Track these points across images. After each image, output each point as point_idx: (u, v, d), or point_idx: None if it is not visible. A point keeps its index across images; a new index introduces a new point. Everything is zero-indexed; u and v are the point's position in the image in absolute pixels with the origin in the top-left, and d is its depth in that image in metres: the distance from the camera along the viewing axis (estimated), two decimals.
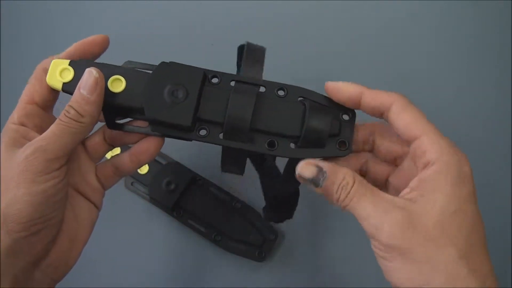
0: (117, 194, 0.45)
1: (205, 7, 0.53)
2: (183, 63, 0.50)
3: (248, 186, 0.42)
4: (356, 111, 0.31)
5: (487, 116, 0.47)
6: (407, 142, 0.27)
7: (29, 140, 0.28)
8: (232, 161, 0.32)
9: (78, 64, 0.30)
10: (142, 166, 0.33)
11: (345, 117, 0.30)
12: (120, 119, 0.32)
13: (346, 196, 0.26)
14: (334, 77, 0.48)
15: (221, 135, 0.30)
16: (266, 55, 0.50)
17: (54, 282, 0.29)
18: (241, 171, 0.33)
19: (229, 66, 0.49)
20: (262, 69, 0.32)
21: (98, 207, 0.32)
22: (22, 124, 0.29)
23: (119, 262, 0.43)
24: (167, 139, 0.32)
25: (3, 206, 0.26)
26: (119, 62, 0.51)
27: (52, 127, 0.28)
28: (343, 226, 0.44)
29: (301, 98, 0.31)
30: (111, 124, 0.31)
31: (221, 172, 0.42)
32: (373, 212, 0.25)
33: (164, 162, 0.45)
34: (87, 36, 0.52)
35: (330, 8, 0.52)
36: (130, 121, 0.32)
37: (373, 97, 0.28)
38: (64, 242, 0.29)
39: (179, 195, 0.42)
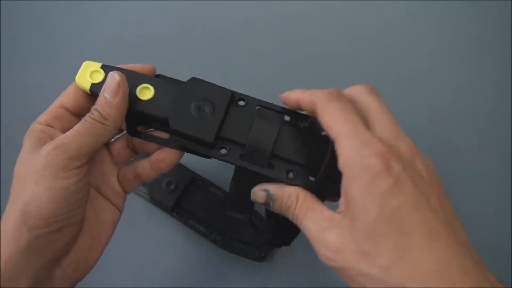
0: None
1: (205, 7, 0.53)
2: (183, 63, 0.50)
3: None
4: None
5: (487, 116, 0.47)
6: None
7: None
8: (240, 200, 0.31)
9: (110, 69, 0.31)
10: (161, 172, 0.33)
11: None
12: (141, 128, 0.32)
13: (292, 215, 0.27)
14: (334, 76, 0.48)
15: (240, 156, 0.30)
16: (266, 55, 0.50)
17: (74, 282, 0.29)
18: (247, 214, 0.33)
19: (229, 66, 0.49)
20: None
21: (120, 210, 0.32)
22: (49, 125, 0.29)
23: (119, 262, 0.43)
24: None
25: (23, 202, 0.25)
26: (119, 62, 0.51)
27: (76, 126, 0.28)
28: None
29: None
30: (132, 131, 0.31)
31: (221, 173, 0.42)
32: (313, 230, 0.25)
33: None
34: (86, 36, 0.52)
35: (330, 8, 0.52)
36: (151, 130, 0.32)
37: (306, 101, 0.29)
38: (85, 241, 0.29)
39: (179, 195, 0.42)
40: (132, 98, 0.30)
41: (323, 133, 0.29)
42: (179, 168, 0.44)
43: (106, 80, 0.29)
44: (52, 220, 0.26)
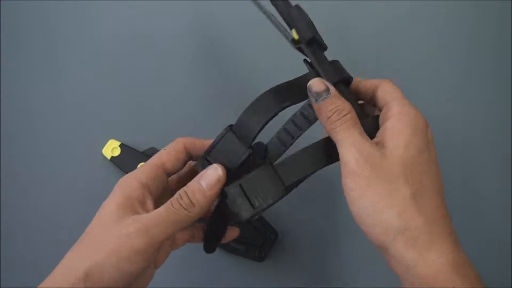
0: None
1: (205, 7, 0.53)
2: (184, 62, 0.50)
3: None
4: None
5: (487, 116, 0.47)
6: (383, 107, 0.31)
7: (143, 206, 0.29)
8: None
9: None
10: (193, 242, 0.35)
11: None
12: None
13: (338, 120, 0.28)
14: None
15: None
16: (266, 55, 0.50)
17: None
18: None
19: (228, 65, 0.49)
20: None
21: (157, 267, 0.33)
22: (145, 185, 0.29)
23: None
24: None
25: (89, 265, 0.26)
26: (119, 61, 0.51)
27: (161, 210, 0.28)
28: (343, 226, 0.44)
29: None
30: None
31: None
32: (353, 143, 0.27)
33: None
34: (86, 36, 0.52)
35: (330, 7, 0.52)
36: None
37: (366, 85, 0.33)
38: None
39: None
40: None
41: None
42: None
43: (207, 170, 0.29)
44: None
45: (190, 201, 0.28)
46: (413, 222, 0.26)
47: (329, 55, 0.51)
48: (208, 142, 0.32)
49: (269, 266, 0.43)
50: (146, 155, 0.46)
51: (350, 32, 0.51)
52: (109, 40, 0.52)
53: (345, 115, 0.28)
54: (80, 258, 0.27)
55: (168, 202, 0.28)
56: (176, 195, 0.28)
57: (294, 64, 0.50)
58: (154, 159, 0.31)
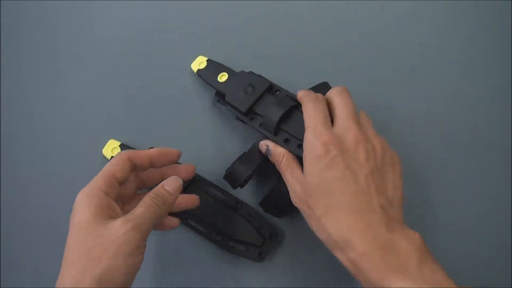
0: None
1: (205, 7, 0.53)
2: (185, 62, 0.51)
3: (248, 186, 0.42)
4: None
5: (487, 116, 0.47)
6: None
7: (114, 211, 0.33)
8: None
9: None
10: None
11: None
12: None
13: (279, 168, 0.38)
14: (334, 75, 0.48)
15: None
16: (266, 55, 0.50)
17: None
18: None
19: (228, 66, 0.49)
20: None
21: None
22: (107, 193, 0.33)
23: None
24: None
25: (99, 273, 0.30)
26: (119, 61, 0.51)
27: (142, 209, 0.33)
28: None
29: None
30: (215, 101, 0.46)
31: (220, 173, 0.42)
32: (289, 182, 0.36)
33: None
34: (86, 36, 0.52)
35: (330, 7, 0.52)
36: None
37: (299, 96, 0.40)
38: None
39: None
40: (216, 80, 0.46)
41: None
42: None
43: (171, 179, 0.36)
44: None
45: (163, 200, 0.34)
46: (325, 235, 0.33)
47: (330, 54, 0.52)
48: (148, 152, 0.37)
49: (269, 266, 0.43)
50: None
51: (350, 32, 0.51)
52: (109, 40, 0.52)
53: (281, 160, 0.37)
54: (85, 269, 0.30)
55: (145, 202, 0.33)
56: (151, 194, 0.34)
57: (294, 63, 0.50)
58: (106, 170, 0.35)
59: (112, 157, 0.44)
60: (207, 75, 0.47)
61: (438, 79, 0.49)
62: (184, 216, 0.42)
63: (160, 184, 0.35)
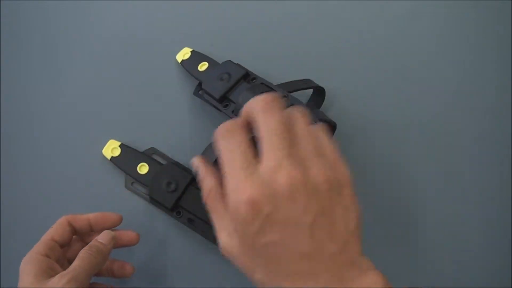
0: (117, 194, 0.45)
1: (205, 7, 0.53)
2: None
3: None
4: None
5: (487, 116, 0.47)
6: None
7: (54, 271, 0.35)
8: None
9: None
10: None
11: None
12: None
13: (205, 200, 0.30)
14: (333, 76, 0.48)
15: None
16: (266, 55, 0.50)
17: None
18: None
19: None
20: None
21: None
22: (47, 256, 0.36)
23: None
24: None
25: None
26: (119, 61, 0.51)
27: (77, 262, 0.35)
28: None
29: None
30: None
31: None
32: (218, 227, 0.29)
33: (164, 163, 0.45)
34: (86, 36, 0.52)
35: (330, 7, 0.52)
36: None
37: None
38: None
39: (179, 195, 0.42)
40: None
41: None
42: (179, 169, 0.44)
43: (103, 233, 0.38)
44: None
45: (97, 251, 0.36)
46: None
47: (330, 55, 0.52)
48: (86, 216, 0.39)
49: None
50: (146, 155, 0.46)
51: (350, 32, 0.51)
52: (109, 40, 0.52)
53: (207, 196, 0.30)
54: None
55: (80, 256, 0.35)
56: (85, 249, 0.36)
57: (294, 63, 0.50)
58: (46, 234, 0.38)
59: (112, 157, 0.45)
60: (189, 65, 0.48)
61: (438, 79, 0.49)
62: (185, 216, 0.42)
63: (94, 239, 0.38)
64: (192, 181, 0.43)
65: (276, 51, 0.50)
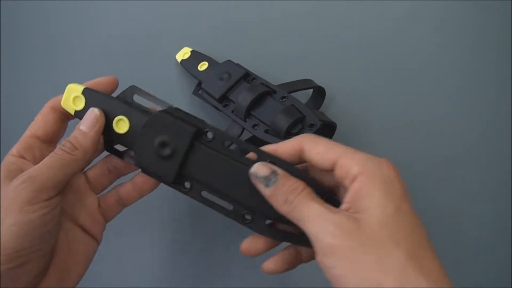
0: None
1: (205, 7, 0.53)
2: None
3: None
4: None
5: (487, 116, 0.47)
6: (330, 171, 0.27)
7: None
8: None
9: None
10: (145, 195, 0.33)
11: None
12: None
13: (296, 197, 0.26)
14: (333, 76, 0.48)
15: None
16: (266, 56, 0.50)
17: None
18: None
19: None
20: None
21: (98, 241, 0.32)
22: (21, 157, 0.30)
23: (121, 256, 0.43)
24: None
25: None
26: (120, 62, 0.51)
27: (45, 159, 0.28)
28: None
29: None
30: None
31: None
32: (320, 215, 0.25)
33: (152, 109, 0.33)
34: (86, 36, 0.52)
35: (330, 7, 0.52)
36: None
37: (284, 149, 0.29)
38: (54, 275, 0.28)
39: (181, 160, 0.30)
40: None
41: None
42: (174, 118, 0.31)
43: (85, 115, 0.30)
44: (15, 254, 0.25)
45: (73, 145, 0.29)
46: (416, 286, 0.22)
47: (330, 55, 0.52)
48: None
49: None
50: (123, 102, 0.33)
51: (350, 32, 0.51)
52: (109, 40, 0.52)
53: (301, 192, 0.26)
54: None
55: (52, 152, 0.29)
56: (59, 145, 0.29)
57: (294, 64, 0.50)
58: (26, 133, 0.31)
59: (76, 111, 0.33)
60: (189, 65, 0.48)
61: (438, 79, 0.49)
62: (195, 188, 0.31)
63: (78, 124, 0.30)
64: (198, 135, 0.31)
65: (276, 51, 0.50)
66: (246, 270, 0.43)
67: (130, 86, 0.33)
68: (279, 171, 0.27)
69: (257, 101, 0.40)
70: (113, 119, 0.31)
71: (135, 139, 0.30)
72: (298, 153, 0.28)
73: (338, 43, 0.51)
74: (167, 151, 0.30)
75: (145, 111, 0.31)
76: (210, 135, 0.30)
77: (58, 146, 0.29)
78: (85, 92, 0.32)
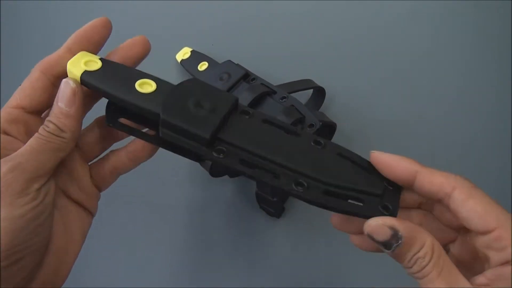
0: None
1: (204, 7, 0.53)
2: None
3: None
4: None
5: (487, 116, 0.47)
6: (478, 232, 0.24)
7: (14, 150, 0.24)
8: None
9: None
10: (141, 163, 0.30)
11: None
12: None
13: (420, 271, 0.22)
14: (333, 76, 0.48)
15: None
16: (266, 56, 0.50)
17: None
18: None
19: None
20: None
21: (92, 213, 0.29)
22: (6, 132, 0.26)
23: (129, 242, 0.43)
24: None
25: None
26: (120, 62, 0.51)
27: (31, 142, 0.25)
28: None
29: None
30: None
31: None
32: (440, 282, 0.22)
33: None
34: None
35: (330, 7, 0.52)
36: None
37: (429, 180, 0.24)
38: (51, 264, 0.26)
39: (218, 122, 0.26)
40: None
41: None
42: (210, 87, 0.28)
43: (60, 87, 0.26)
44: (10, 252, 0.23)
45: (57, 126, 0.25)
46: None
47: (330, 55, 0.52)
48: (68, 46, 0.29)
49: (285, 223, 0.42)
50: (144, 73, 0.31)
51: (350, 32, 0.51)
52: (109, 40, 0.52)
53: (426, 265, 0.22)
54: None
55: (37, 133, 0.25)
56: (42, 126, 0.25)
57: (294, 64, 0.50)
58: (9, 102, 0.27)
59: (86, 72, 0.29)
60: (189, 65, 0.48)
61: (437, 79, 0.49)
62: (233, 153, 0.26)
63: (55, 98, 0.26)
64: (235, 108, 0.28)
65: (276, 51, 0.50)
66: (246, 270, 0.43)
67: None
68: (402, 230, 0.22)
69: (257, 102, 0.40)
70: (135, 82, 0.27)
71: (163, 97, 0.26)
72: (437, 195, 0.24)
73: (338, 43, 0.51)
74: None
75: (170, 83, 0.28)
76: (246, 115, 0.28)
77: (41, 126, 0.25)
78: (102, 59, 0.29)
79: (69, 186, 0.28)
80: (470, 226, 0.24)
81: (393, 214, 0.24)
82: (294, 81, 0.44)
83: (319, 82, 0.45)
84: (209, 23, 0.52)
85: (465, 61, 0.50)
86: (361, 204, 0.25)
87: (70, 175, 0.28)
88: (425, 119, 0.47)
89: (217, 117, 0.26)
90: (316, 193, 0.25)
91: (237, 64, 0.45)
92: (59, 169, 0.27)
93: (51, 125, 0.25)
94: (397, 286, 0.33)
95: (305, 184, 0.25)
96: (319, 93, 0.46)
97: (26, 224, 0.23)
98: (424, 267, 0.22)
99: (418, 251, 0.22)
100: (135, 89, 0.27)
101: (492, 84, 0.49)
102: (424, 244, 0.22)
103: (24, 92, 0.27)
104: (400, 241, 0.22)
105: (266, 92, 0.40)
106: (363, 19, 0.52)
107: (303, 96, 0.47)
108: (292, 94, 0.41)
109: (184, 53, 0.49)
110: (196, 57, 0.48)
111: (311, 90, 0.47)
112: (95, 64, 0.28)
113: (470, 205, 0.24)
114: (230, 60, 0.45)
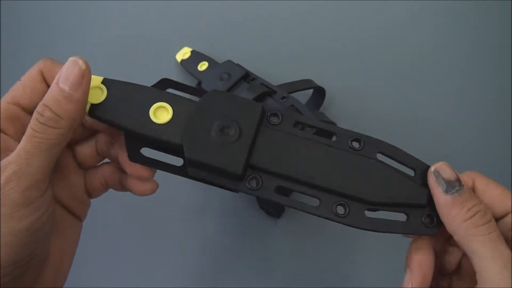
0: None
1: (204, 7, 0.53)
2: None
3: None
4: None
5: (487, 116, 0.47)
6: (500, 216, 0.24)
7: (10, 150, 0.22)
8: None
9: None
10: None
11: None
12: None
13: (483, 225, 0.22)
14: (333, 76, 0.48)
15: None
16: (266, 56, 0.50)
17: None
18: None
19: None
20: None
21: (82, 220, 0.28)
22: (2, 131, 0.23)
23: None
24: None
25: None
26: (120, 62, 0.51)
27: (25, 144, 0.21)
28: None
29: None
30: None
31: None
32: (506, 265, 0.21)
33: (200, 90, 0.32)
34: (86, 36, 0.52)
35: (330, 7, 0.52)
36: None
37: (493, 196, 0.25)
38: (50, 272, 0.25)
39: (249, 146, 0.24)
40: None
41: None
42: (233, 98, 0.25)
43: (64, 66, 0.23)
44: (13, 267, 0.21)
45: (55, 113, 0.21)
46: None
47: (330, 55, 0.52)
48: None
49: (286, 223, 0.42)
50: (160, 91, 0.27)
51: (350, 32, 0.51)
52: (109, 40, 0.52)
53: (488, 221, 0.22)
54: None
55: (28, 128, 0.21)
56: (35, 114, 0.21)
57: (294, 64, 0.50)
58: (6, 97, 0.24)
59: (92, 105, 0.26)
60: (189, 65, 0.48)
61: (437, 79, 0.49)
62: (267, 182, 0.24)
63: (54, 79, 0.23)
64: (262, 120, 0.25)
65: (276, 51, 0.50)
66: (246, 270, 0.43)
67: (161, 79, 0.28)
68: (464, 183, 0.23)
69: (257, 100, 0.40)
70: (149, 109, 0.24)
71: (183, 127, 0.24)
72: (498, 212, 0.24)
73: (338, 43, 0.51)
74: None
75: (185, 98, 0.25)
76: (275, 119, 0.25)
77: (34, 116, 0.22)
78: (106, 82, 0.25)
79: (62, 192, 0.26)
80: (494, 212, 0.24)
81: (437, 225, 0.24)
82: (294, 81, 0.44)
83: (319, 82, 0.45)
84: (209, 23, 0.52)
85: (465, 61, 0.50)
86: (406, 217, 0.24)
87: (63, 180, 0.26)
88: (425, 119, 0.47)
89: (246, 143, 0.24)
90: (360, 218, 0.24)
91: (237, 64, 0.45)
92: (53, 176, 0.24)
93: (47, 113, 0.21)
94: (397, 286, 0.33)
95: (348, 208, 0.24)
96: (319, 93, 0.46)
97: (30, 237, 0.21)
98: (487, 222, 0.22)
99: (481, 206, 0.22)
100: (151, 120, 0.24)
101: (492, 84, 0.49)
102: (481, 202, 0.23)
103: (24, 90, 0.25)
104: (462, 188, 0.23)
105: (266, 92, 0.40)
106: (363, 19, 0.52)
107: (303, 96, 0.47)
108: (292, 94, 0.41)
109: (184, 53, 0.49)
110: (196, 57, 0.48)
111: (311, 90, 0.47)
112: (100, 92, 0.24)
113: (490, 193, 0.24)
114: (230, 60, 0.45)
